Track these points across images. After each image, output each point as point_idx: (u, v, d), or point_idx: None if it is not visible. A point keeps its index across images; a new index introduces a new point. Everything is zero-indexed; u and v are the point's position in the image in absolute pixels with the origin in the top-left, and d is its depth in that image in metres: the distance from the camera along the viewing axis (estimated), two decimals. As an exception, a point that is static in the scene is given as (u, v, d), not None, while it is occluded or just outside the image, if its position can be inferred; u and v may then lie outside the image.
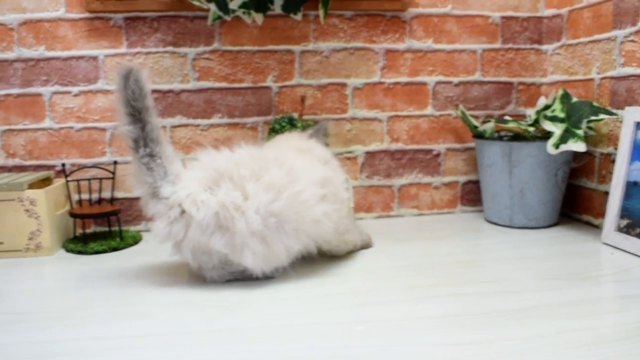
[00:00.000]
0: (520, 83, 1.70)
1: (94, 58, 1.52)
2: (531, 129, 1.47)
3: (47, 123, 1.53)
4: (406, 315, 0.94)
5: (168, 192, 1.07)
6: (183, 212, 1.06)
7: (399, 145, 1.66)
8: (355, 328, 0.90)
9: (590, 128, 1.46)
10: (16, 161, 1.53)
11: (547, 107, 1.44)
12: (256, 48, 1.57)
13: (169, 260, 1.30)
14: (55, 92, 1.52)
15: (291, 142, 1.27)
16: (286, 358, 0.80)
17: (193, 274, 1.19)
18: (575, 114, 1.39)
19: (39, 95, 1.52)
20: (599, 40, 1.46)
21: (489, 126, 1.51)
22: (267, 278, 1.14)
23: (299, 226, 1.08)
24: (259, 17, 1.43)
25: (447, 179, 1.71)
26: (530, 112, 1.54)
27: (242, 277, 1.14)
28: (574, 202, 1.60)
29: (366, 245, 1.35)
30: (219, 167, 1.10)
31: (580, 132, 1.36)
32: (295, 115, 1.51)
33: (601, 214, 1.48)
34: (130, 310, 1.01)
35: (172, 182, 1.09)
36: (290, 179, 1.09)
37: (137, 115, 1.06)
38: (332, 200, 1.16)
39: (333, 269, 1.21)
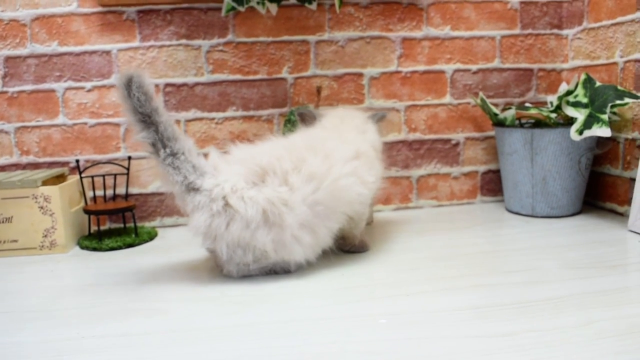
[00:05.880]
0: (541, 69, 1.66)
1: (107, 52, 1.50)
2: (553, 115, 1.43)
3: (60, 119, 1.51)
4: (431, 307, 0.92)
5: (209, 184, 1.04)
6: (226, 205, 1.04)
7: (417, 135, 1.63)
8: (379, 321, 0.87)
9: (614, 113, 1.42)
10: (30, 158, 1.52)
11: (569, 92, 1.41)
12: (271, 39, 1.54)
13: (185, 257, 1.28)
14: (69, 88, 1.50)
15: (353, 122, 1.28)
16: (307, 353, 0.78)
17: (210, 269, 1.17)
18: (599, 99, 1.35)
19: (53, 91, 1.50)
20: (622, 23, 1.42)
21: (510, 113, 1.47)
22: (285, 272, 1.12)
23: (338, 209, 1.10)
24: (273, 7, 1.40)
25: (467, 168, 1.67)
26: (552, 99, 1.50)
27: (264, 273, 1.12)
28: (598, 189, 1.56)
29: (364, 246, 1.26)
30: (261, 162, 1.08)
31: (604, 117, 1.31)
32: (311, 106, 1.49)
33: (626, 201, 1.44)
34: (147, 306, 0.99)
35: (210, 174, 1.06)
36: (328, 165, 1.09)
37: (147, 119, 1.03)
38: (367, 170, 1.17)
39: (353, 263, 1.19)
